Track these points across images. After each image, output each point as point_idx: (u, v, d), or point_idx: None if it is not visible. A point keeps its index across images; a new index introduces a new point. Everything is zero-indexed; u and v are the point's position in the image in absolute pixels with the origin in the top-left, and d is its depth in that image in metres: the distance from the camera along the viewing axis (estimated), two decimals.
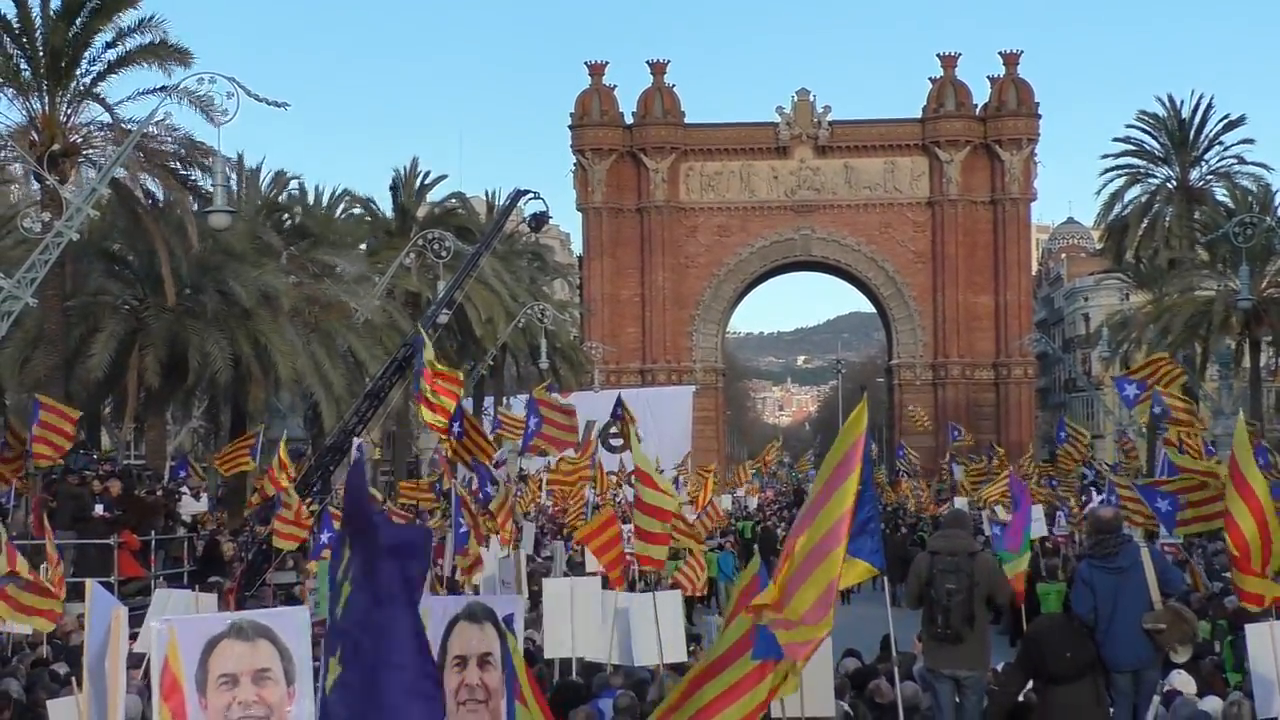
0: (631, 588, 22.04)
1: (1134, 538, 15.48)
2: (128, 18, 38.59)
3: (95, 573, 26.05)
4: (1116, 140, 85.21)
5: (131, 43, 38.51)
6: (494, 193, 77.20)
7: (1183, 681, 15.73)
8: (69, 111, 37.92)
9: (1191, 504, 24.52)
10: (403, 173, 69.87)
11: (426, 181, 70.37)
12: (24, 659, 20.37)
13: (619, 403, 45.63)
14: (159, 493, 33.26)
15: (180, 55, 38.29)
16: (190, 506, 36.92)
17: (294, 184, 58.06)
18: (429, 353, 29.29)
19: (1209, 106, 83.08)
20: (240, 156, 56.70)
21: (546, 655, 18.96)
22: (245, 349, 43.13)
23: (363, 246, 59.42)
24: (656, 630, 17.60)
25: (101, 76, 38.50)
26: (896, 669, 14.16)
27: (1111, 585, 14.51)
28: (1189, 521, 25.04)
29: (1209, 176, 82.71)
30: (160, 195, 40.37)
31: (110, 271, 43.76)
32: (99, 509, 29.21)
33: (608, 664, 18.71)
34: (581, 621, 18.66)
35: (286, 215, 55.52)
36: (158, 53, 38.32)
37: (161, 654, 8.25)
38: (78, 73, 38.00)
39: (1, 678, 17.54)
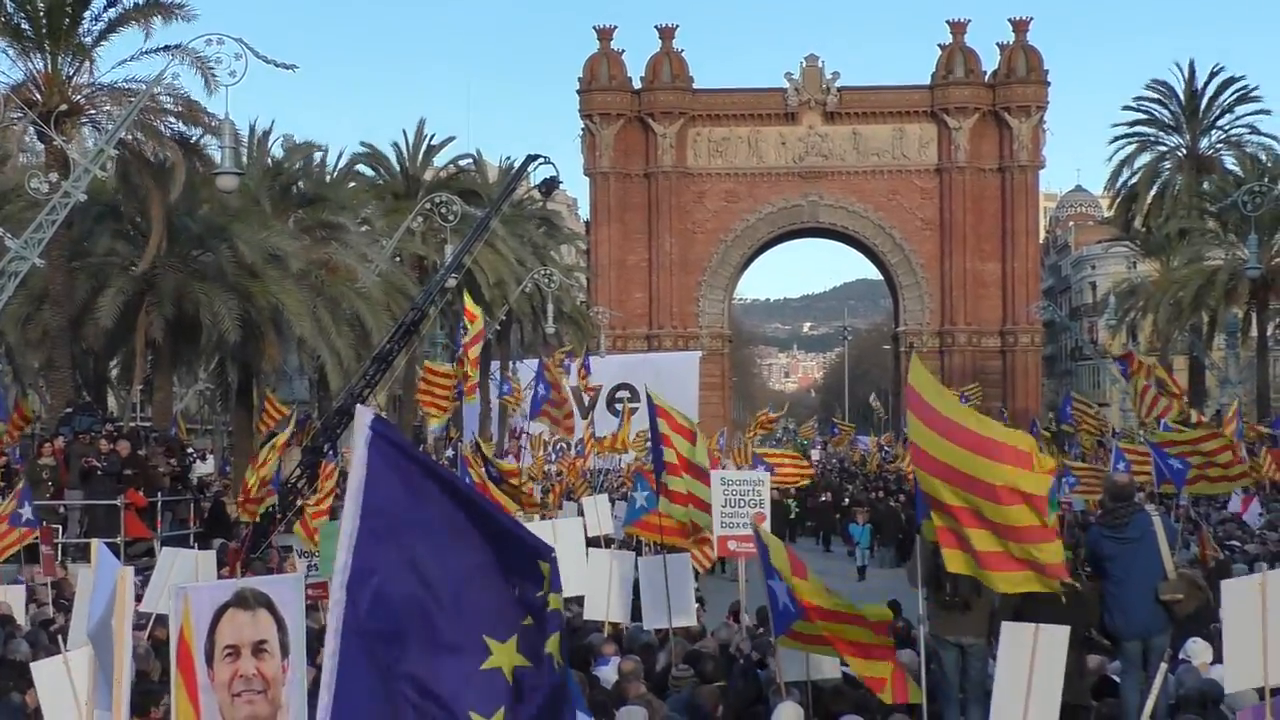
0: (639, 552, 21.96)
1: (1146, 506, 15.38)
2: None
3: (102, 533, 26.09)
4: (1127, 108, 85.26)
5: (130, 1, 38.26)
6: (502, 158, 77.10)
7: (1199, 650, 15.69)
8: (71, 71, 37.76)
9: (1197, 466, 24.97)
10: (408, 136, 69.76)
11: (434, 144, 70.22)
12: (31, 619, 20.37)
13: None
14: (172, 460, 33.19)
15: (180, 10, 38.05)
16: (197, 468, 36.95)
17: (302, 148, 57.71)
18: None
19: (1221, 75, 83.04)
20: (253, 124, 56.58)
21: None
22: (261, 305, 43.06)
23: (369, 209, 59.23)
24: (666, 594, 17.56)
25: (103, 35, 38.31)
26: (923, 626, 14.10)
27: (1121, 554, 14.47)
28: (1195, 481, 25.46)
29: (1219, 145, 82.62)
30: (163, 156, 40.19)
31: (118, 231, 43.68)
32: (99, 468, 29.18)
33: (605, 627, 18.66)
34: (567, 560, 18.54)
35: (292, 178, 55.22)
36: (159, 9, 38.07)
37: (178, 622, 8.12)
38: (79, 30, 37.80)
39: (8, 639, 17.53)
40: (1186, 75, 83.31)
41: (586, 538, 21.61)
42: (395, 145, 69.47)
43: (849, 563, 47.27)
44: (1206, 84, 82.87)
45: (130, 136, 37.28)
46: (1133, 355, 46.61)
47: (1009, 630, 12.34)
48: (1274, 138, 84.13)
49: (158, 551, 25.36)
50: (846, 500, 55.61)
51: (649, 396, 19.00)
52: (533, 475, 46.35)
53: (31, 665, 11.40)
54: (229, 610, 8.10)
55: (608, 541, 25.50)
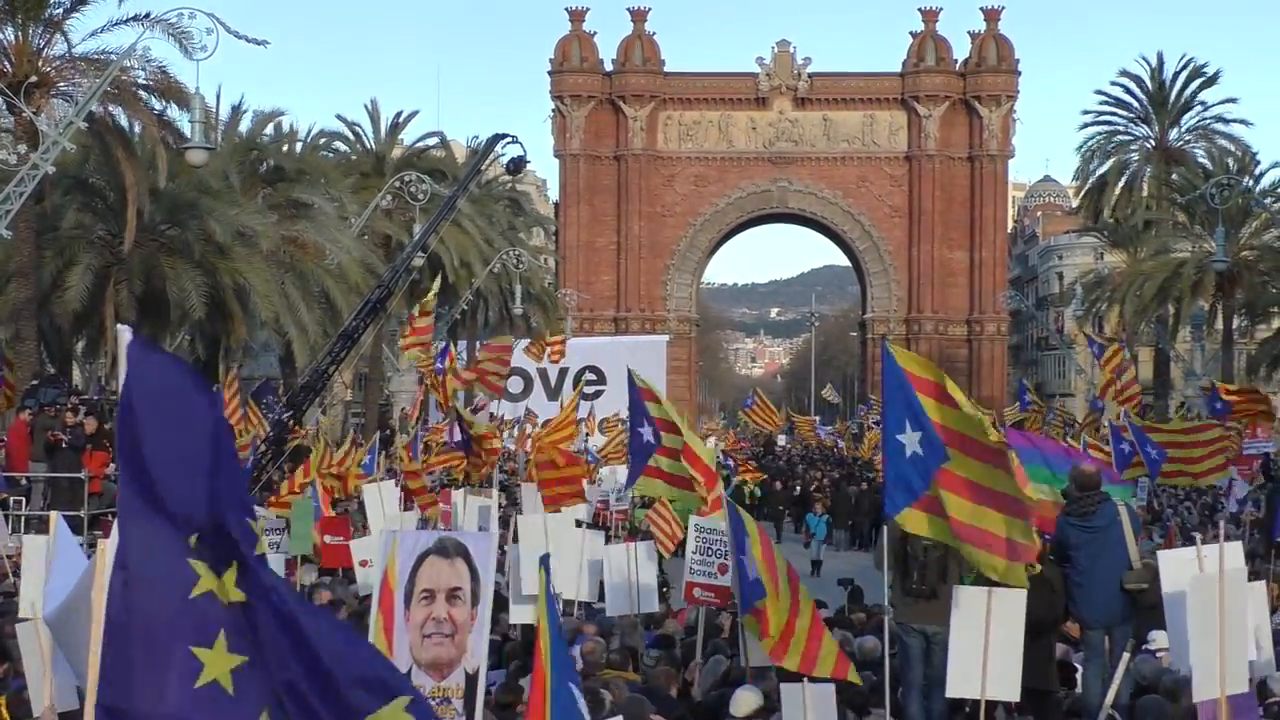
0: (605, 533, 21.99)
1: (1111, 496, 15.45)
2: None
3: (66, 506, 26.03)
4: (1100, 94, 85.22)
5: None
6: (469, 137, 76.95)
7: (1162, 640, 15.75)
8: (41, 42, 37.58)
9: (1174, 458, 25.24)
10: (380, 113, 69.38)
11: (398, 121, 69.74)
12: None
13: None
14: None
15: None
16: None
17: (271, 125, 57.41)
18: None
19: (1189, 66, 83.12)
20: (219, 92, 56.29)
21: (524, 592, 18.83)
22: (226, 283, 42.94)
23: (337, 187, 58.95)
24: (635, 581, 17.58)
25: (74, 6, 38.14)
26: (888, 618, 14.17)
27: (1088, 543, 14.55)
28: (1170, 475, 25.71)
29: (1187, 136, 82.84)
30: (134, 129, 40.05)
31: (86, 205, 43.51)
32: (64, 441, 29.07)
33: (575, 607, 18.67)
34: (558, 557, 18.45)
35: (262, 154, 54.91)
36: None
37: (383, 563, 8.42)
38: (51, 1, 37.62)
39: None
40: (1155, 66, 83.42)
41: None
42: (355, 124, 68.94)
43: (805, 554, 44.79)
44: (1175, 76, 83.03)
45: (102, 109, 37.16)
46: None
47: (962, 594, 12.39)
48: (1245, 122, 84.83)
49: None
50: (799, 488, 55.10)
51: (631, 378, 18.97)
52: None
53: (18, 627, 11.38)
54: (430, 557, 8.73)
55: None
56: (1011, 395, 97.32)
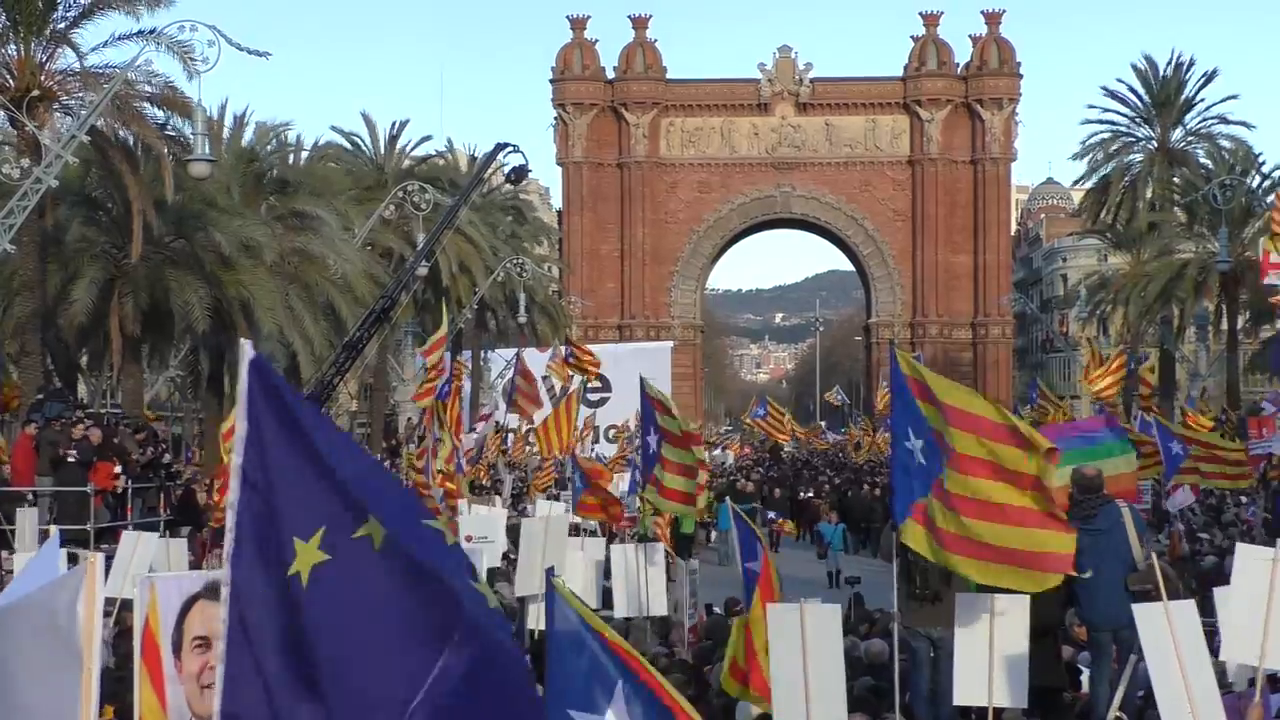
0: (610, 541, 21.99)
1: (1114, 498, 15.43)
2: None
3: (72, 520, 26.04)
4: (1104, 93, 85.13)
5: None
6: (468, 145, 77.03)
7: None
8: (44, 56, 37.57)
9: (1196, 456, 25.46)
10: (365, 123, 69.57)
11: (398, 130, 69.79)
12: None
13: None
14: (146, 449, 33.02)
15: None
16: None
17: (274, 136, 57.37)
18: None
19: (1179, 62, 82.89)
20: (223, 105, 56.22)
21: (519, 593, 18.87)
22: (230, 296, 42.90)
23: (340, 198, 58.90)
24: (644, 583, 17.59)
25: (77, 20, 38.14)
26: (897, 624, 14.18)
27: (1091, 545, 14.54)
28: (1186, 471, 25.86)
29: (1190, 137, 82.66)
30: (137, 142, 40.00)
31: (90, 219, 43.49)
32: (71, 456, 29.04)
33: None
34: (555, 558, 18.43)
35: (264, 165, 54.90)
36: None
37: (143, 612, 7.94)
38: (53, 16, 37.62)
39: None
40: (1148, 66, 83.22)
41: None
42: (353, 134, 69.03)
43: (820, 565, 42.44)
44: (1175, 75, 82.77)
45: (105, 123, 37.13)
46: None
47: (965, 601, 12.39)
48: (1247, 124, 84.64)
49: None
50: (800, 494, 54.68)
51: (643, 388, 18.99)
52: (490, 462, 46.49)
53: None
54: (199, 601, 8.00)
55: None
56: (1019, 399, 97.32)
